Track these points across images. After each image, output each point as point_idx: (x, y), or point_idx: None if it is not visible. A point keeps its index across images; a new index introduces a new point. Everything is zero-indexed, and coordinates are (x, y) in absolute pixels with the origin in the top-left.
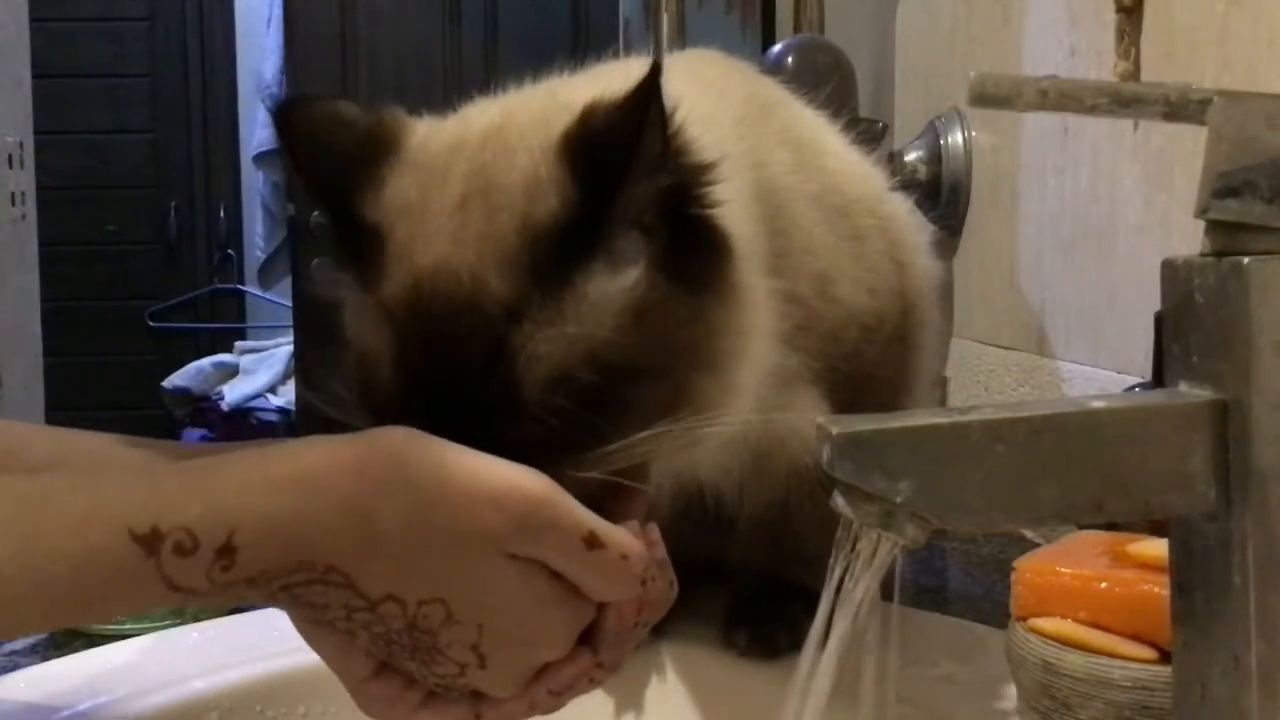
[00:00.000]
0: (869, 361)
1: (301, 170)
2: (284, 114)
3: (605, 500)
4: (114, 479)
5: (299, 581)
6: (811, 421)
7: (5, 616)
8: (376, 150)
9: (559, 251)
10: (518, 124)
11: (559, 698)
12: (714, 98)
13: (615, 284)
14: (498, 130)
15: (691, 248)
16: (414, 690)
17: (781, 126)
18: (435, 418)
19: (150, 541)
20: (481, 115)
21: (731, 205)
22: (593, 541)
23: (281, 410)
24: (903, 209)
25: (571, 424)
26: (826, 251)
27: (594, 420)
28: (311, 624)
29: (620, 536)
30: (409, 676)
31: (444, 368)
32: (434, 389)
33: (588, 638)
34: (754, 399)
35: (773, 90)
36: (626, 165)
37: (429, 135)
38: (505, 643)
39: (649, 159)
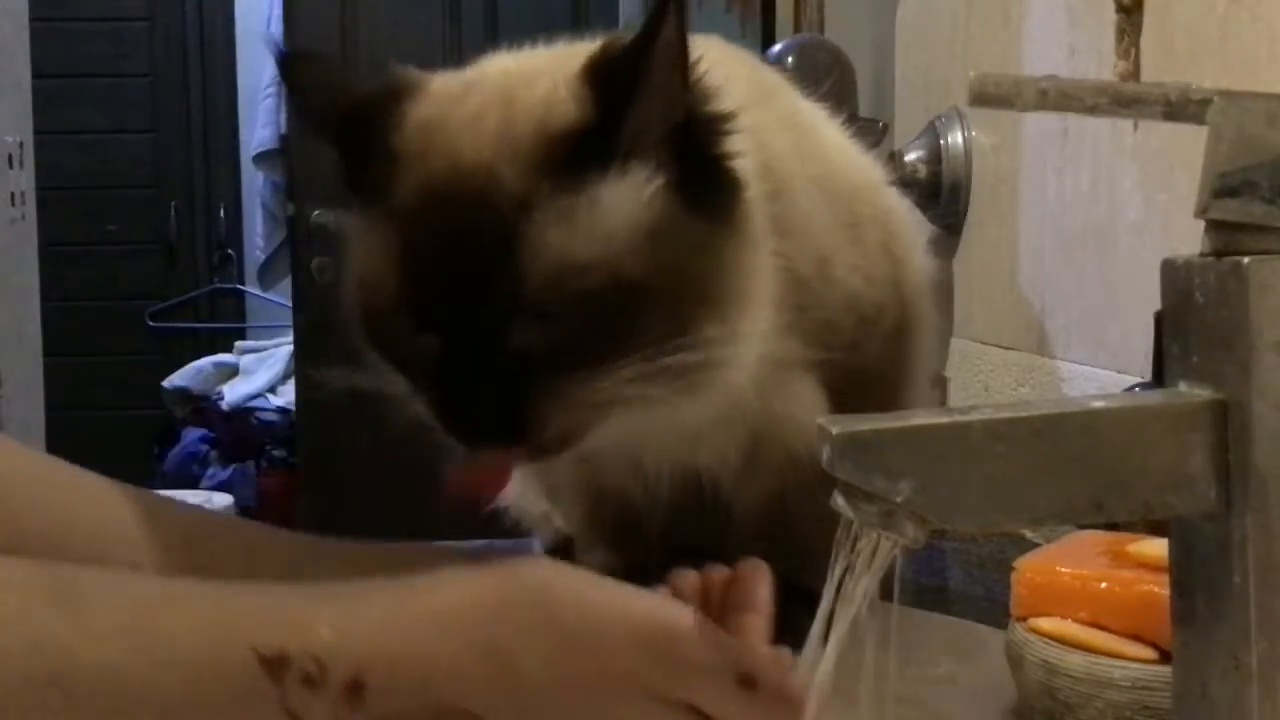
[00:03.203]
0: (868, 356)
1: (310, 108)
2: (292, 61)
3: (727, 599)
4: (245, 591)
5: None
6: (808, 411)
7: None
8: (399, 91)
9: (575, 156)
10: (537, 64)
11: None
12: (718, 80)
13: (629, 197)
14: (518, 67)
15: (707, 185)
16: None
17: (784, 112)
18: (436, 316)
19: (277, 667)
20: (499, 62)
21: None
22: (748, 682)
23: (281, 410)
24: (901, 204)
25: (573, 333)
26: (825, 233)
27: (596, 334)
28: None
29: (776, 673)
30: None
31: (450, 260)
32: (438, 283)
33: None
34: (752, 374)
35: (775, 76)
36: (640, 78)
37: (448, 79)
38: None
39: (664, 79)
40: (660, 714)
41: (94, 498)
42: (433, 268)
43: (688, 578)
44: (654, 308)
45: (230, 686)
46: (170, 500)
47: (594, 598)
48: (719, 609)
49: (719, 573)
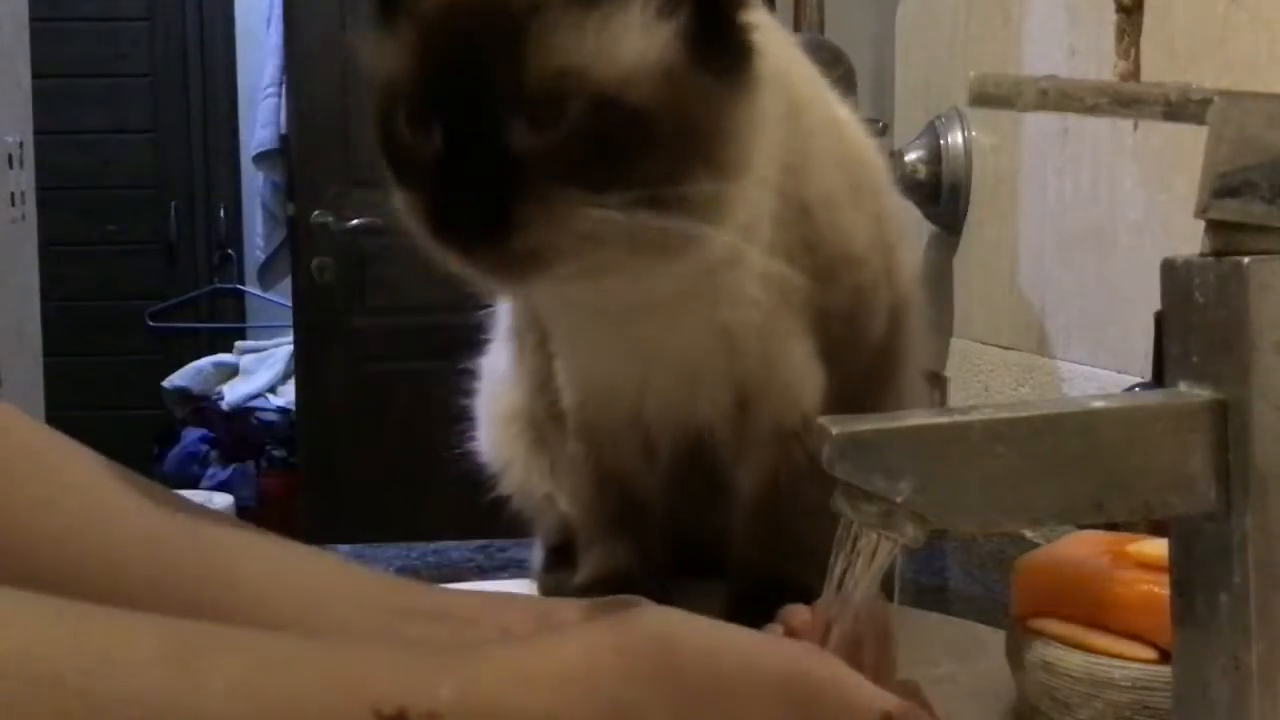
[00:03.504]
0: (866, 333)
1: None
2: None
3: (856, 652)
4: (358, 648)
5: None
6: (801, 380)
7: None
8: None
9: None
10: None
11: None
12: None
13: (642, 27)
14: None
15: (723, 45)
16: None
17: (809, 71)
18: (438, 108)
19: None
20: None
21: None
22: None
23: (281, 410)
24: (896, 195)
25: (570, 148)
26: (835, 178)
27: (592, 155)
28: None
29: (914, 710)
30: None
31: (458, 55)
32: (444, 76)
33: None
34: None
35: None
36: None
37: None
38: None
39: None
40: None
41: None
42: (442, 62)
43: (799, 613)
44: (653, 146)
45: None
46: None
47: (722, 647)
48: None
49: (830, 605)
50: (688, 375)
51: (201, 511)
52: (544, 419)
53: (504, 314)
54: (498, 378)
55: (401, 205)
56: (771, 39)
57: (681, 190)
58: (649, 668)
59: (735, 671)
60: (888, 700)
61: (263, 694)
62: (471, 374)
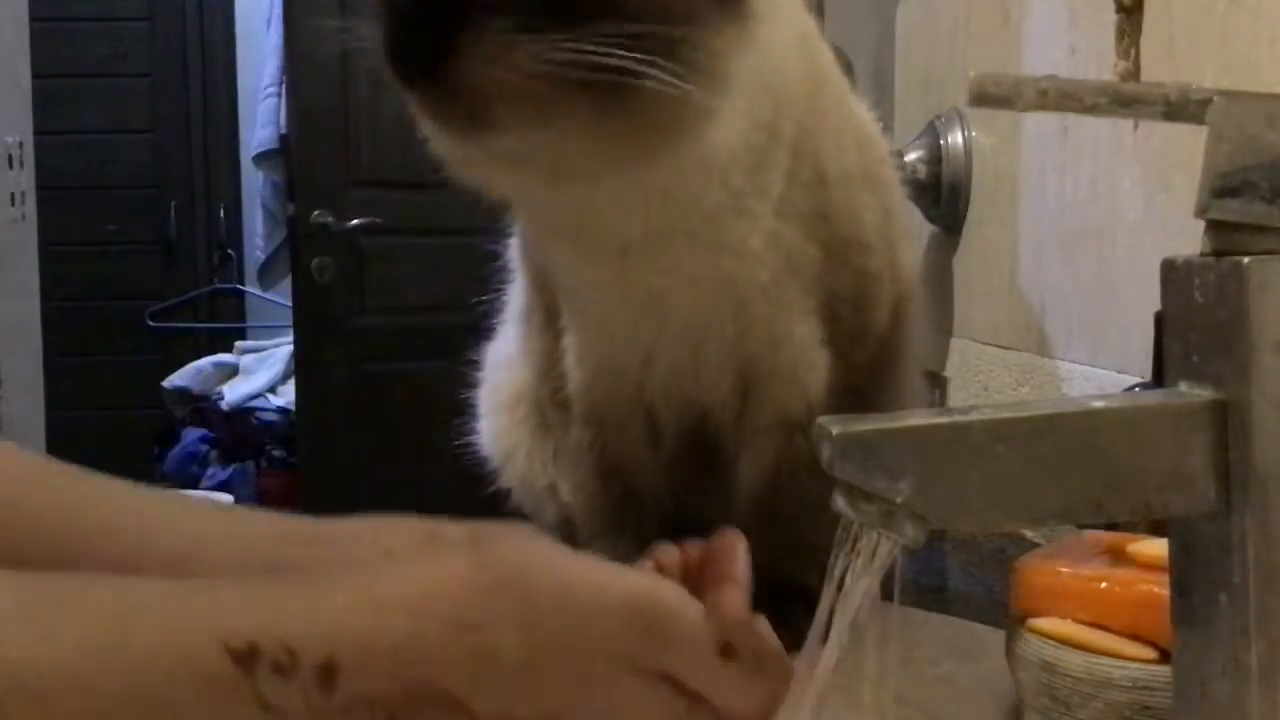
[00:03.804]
0: (871, 322)
1: None
2: None
3: (704, 573)
4: (207, 586)
5: (405, 705)
6: (808, 363)
7: None
8: None
9: None
10: None
11: None
12: None
13: None
14: None
15: None
16: None
17: (829, 56)
18: None
19: (246, 657)
20: None
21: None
22: (728, 652)
23: (281, 410)
24: (901, 192)
25: None
26: (853, 160)
27: None
28: None
29: (757, 643)
30: None
31: None
32: None
33: None
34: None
35: None
36: None
37: None
38: None
39: None
40: (640, 688)
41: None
42: None
43: (669, 553)
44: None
45: (202, 684)
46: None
47: (573, 573)
48: (697, 583)
49: (697, 547)
50: (693, 348)
51: (74, 468)
52: (549, 405)
53: (514, 297)
54: (502, 364)
55: (373, 39)
56: (795, 5)
57: (666, 66)
58: (501, 591)
59: (584, 595)
60: (728, 631)
61: (116, 642)
62: (475, 365)
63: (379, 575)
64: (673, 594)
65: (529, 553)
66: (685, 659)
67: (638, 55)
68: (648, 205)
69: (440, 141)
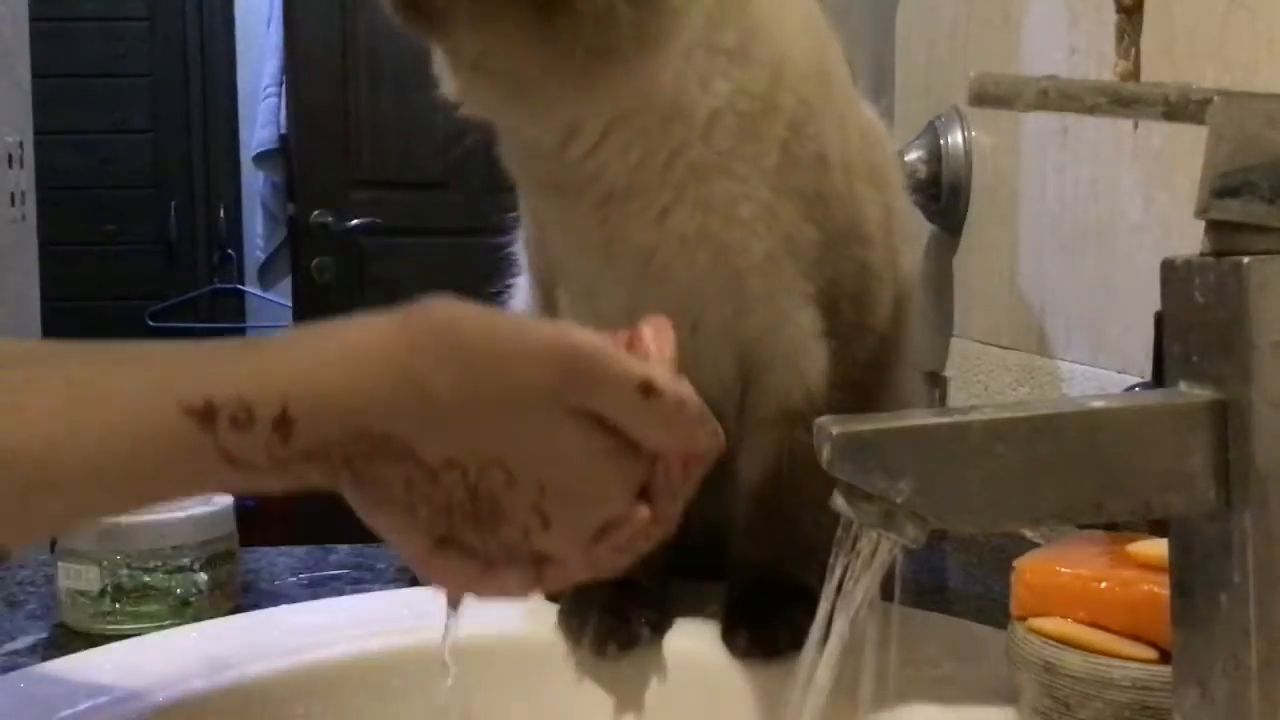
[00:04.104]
0: (872, 317)
1: None
2: None
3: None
4: (159, 356)
5: (359, 454)
6: (809, 354)
7: (65, 503)
8: None
9: None
10: None
11: (620, 556)
12: None
13: None
14: None
15: None
16: (474, 561)
17: (840, 50)
18: None
19: (205, 415)
20: None
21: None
22: (649, 390)
23: None
24: (904, 195)
25: None
26: (856, 150)
27: None
28: (372, 506)
29: (675, 383)
30: (468, 548)
31: None
32: None
33: (642, 494)
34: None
35: None
36: None
37: None
38: (566, 501)
39: None
40: (570, 428)
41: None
42: None
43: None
44: None
45: (165, 443)
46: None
47: (497, 323)
48: None
49: (624, 333)
50: (691, 328)
51: None
52: None
53: (516, 294)
54: None
55: None
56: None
57: None
58: (434, 341)
59: (511, 339)
60: (648, 370)
61: (79, 413)
62: None
63: (320, 334)
64: (595, 338)
65: (459, 309)
66: (608, 396)
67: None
68: (627, 149)
69: (438, 65)
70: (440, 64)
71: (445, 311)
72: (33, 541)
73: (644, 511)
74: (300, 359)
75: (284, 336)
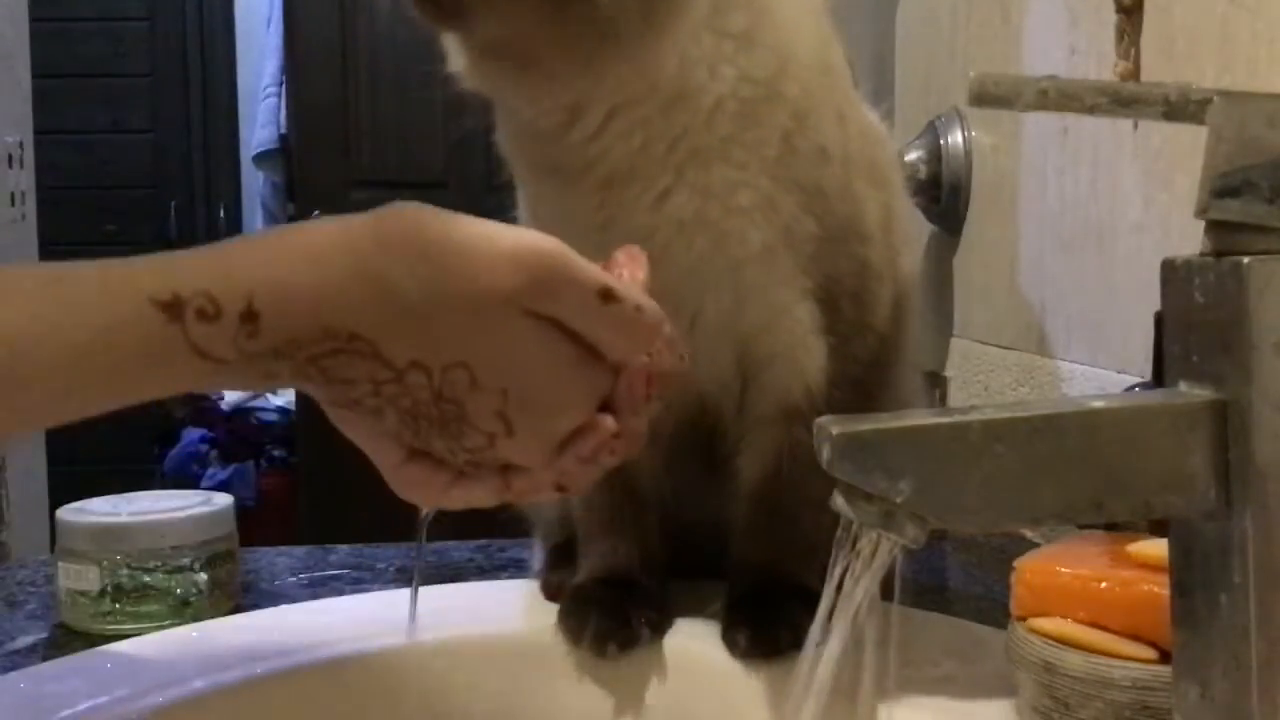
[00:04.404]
0: (872, 315)
1: None
2: None
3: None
4: (126, 261)
5: (325, 351)
6: (807, 349)
7: (38, 396)
8: None
9: None
10: None
11: (585, 468)
12: None
13: None
14: None
15: None
16: (443, 471)
17: (842, 55)
18: None
19: (173, 308)
20: None
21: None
22: (608, 295)
23: (281, 410)
24: (905, 199)
25: None
26: (857, 146)
27: None
28: (342, 408)
29: (635, 291)
30: (438, 459)
31: None
32: None
33: (607, 408)
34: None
35: None
36: None
37: None
38: (530, 408)
39: None
40: (530, 332)
41: None
42: None
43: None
44: None
45: (136, 334)
46: None
47: (462, 226)
48: None
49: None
50: (690, 319)
51: None
52: None
53: None
54: None
55: None
56: None
57: None
58: (400, 242)
59: (474, 241)
60: (609, 277)
61: (50, 308)
62: None
63: (288, 234)
64: (556, 244)
65: (426, 211)
66: (569, 300)
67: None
68: (630, 132)
69: (452, 50)
70: (448, 42)
71: (412, 214)
72: (13, 436)
73: (609, 421)
74: (267, 256)
75: (252, 236)
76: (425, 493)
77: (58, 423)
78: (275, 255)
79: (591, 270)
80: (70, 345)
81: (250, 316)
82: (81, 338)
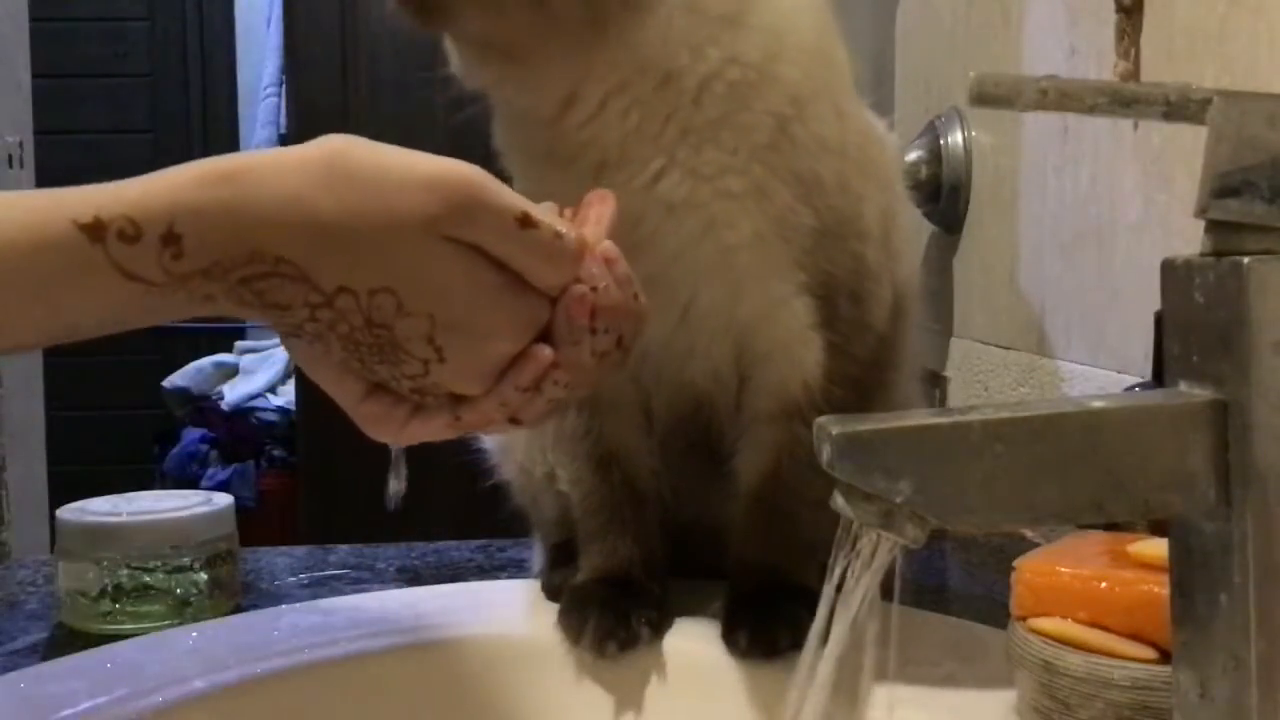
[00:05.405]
0: (870, 315)
1: None
2: None
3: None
4: (49, 191)
5: (255, 274)
6: (805, 345)
7: None
8: None
9: None
10: None
11: (530, 399)
12: None
13: None
14: None
15: None
16: (401, 407)
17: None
18: None
19: (94, 229)
20: None
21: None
22: (526, 221)
23: (281, 410)
24: (907, 204)
25: None
26: (855, 147)
27: None
28: (289, 335)
29: (554, 218)
30: (396, 395)
31: None
32: None
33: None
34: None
35: None
36: None
37: None
38: (458, 334)
39: None
40: (449, 254)
41: None
42: None
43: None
44: None
45: (62, 257)
46: None
47: (385, 152)
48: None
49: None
50: (681, 309)
51: None
52: None
53: None
54: None
55: None
56: None
57: None
58: (323, 168)
59: (396, 166)
60: (527, 204)
61: None
62: None
63: (213, 162)
64: (476, 171)
65: (352, 140)
66: (487, 225)
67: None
68: (624, 116)
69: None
70: (449, 44)
71: (338, 142)
72: None
73: (544, 351)
74: (188, 182)
75: (183, 165)
76: (386, 428)
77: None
78: (197, 181)
79: (510, 196)
80: (1, 264)
81: (172, 238)
82: (9, 257)
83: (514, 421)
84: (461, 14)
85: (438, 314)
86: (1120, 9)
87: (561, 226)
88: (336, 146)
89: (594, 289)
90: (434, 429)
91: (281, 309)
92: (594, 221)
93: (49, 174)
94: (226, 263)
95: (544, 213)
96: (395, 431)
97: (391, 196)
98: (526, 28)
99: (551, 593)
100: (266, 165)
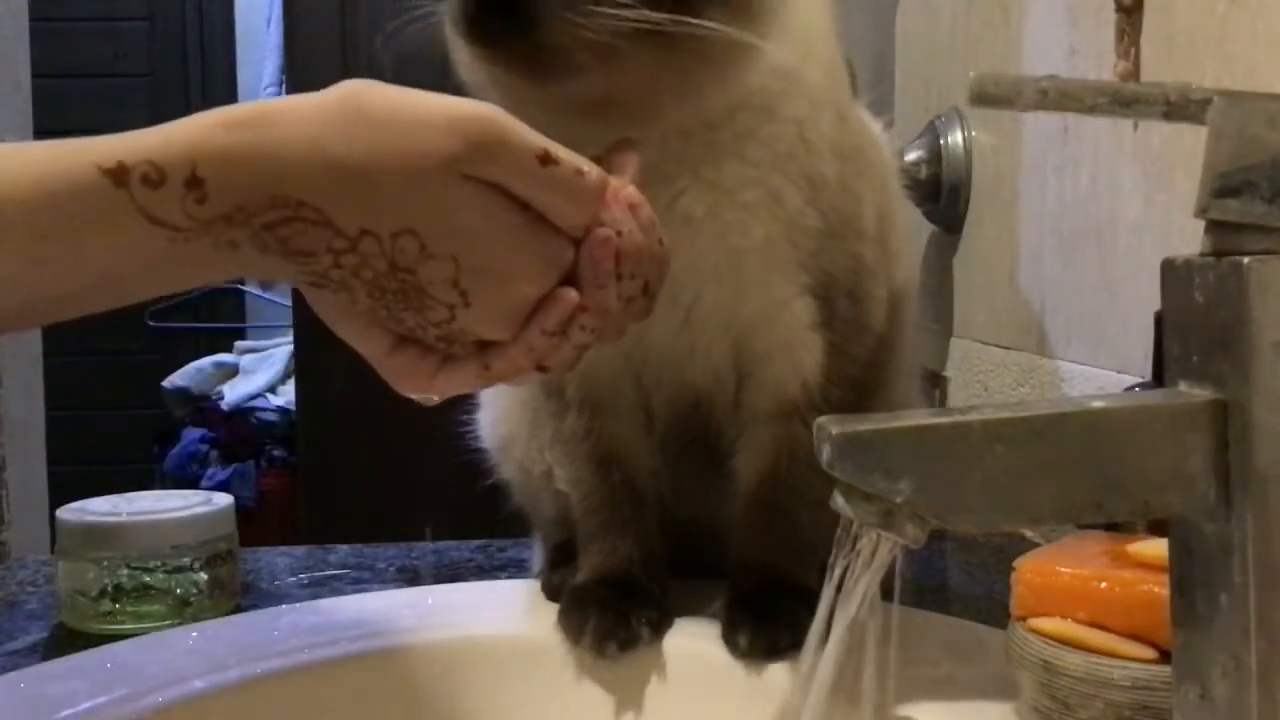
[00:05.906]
0: (868, 315)
1: None
2: None
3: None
4: (74, 139)
5: (278, 219)
6: (803, 343)
7: (5, 253)
8: None
9: None
10: None
11: (557, 344)
12: None
13: None
14: None
15: None
16: (429, 358)
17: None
18: None
19: (118, 174)
20: None
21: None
22: (547, 158)
23: (281, 410)
24: (905, 205)
25: None
26: (857, 148)
27: None
28: (314, 285)
29: (576, 156)
30: (424, 347)
31: None
32: None
33: (572, 283)
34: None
35: None
36: None
37: None
38: (482, 276)
39: None
40: (470, 194)
41: None
42: None
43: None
44: None
45: (87, 201)
46: None
47: (403, 94)
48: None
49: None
50: (685, 310)
51: None
52: (541, 394)
53: None
54: None
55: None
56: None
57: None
58: (341, 112)
59: (414, 107)
60: (550, 143)
61: (3, 173)
62: None
63: (237, 108)
64: (495, 110)
65: (369, 84)
66: (507, 163)
67: (694, 45)
68: (664, 140)
69: (509, 84)
70: (456, 50)
71: (355, 86)
72: None
73: (569, 293)
74: (209, 128)
75: (208, 111)
76: (415, 381)
77: (32, 293)
78: (218, 123)
79: (531, 134)
80: (25, 208)
81: (195, 182)
82: (35, 201)
83: (541, 369)
84: (586, 74)
85: (461, 257)
86: (1120, 9)
87: (583, 164)
88: (354, 89)
89: (618, 233)
90: (463, 379)
91: (305, 255)
92: (617, 169)
93: None
94: (250, 208)
95: (565, 151)
96: (424, 384)
97: (411, 136)
98: (652, 81)
99: (551, 593)
100: (285, 110)
